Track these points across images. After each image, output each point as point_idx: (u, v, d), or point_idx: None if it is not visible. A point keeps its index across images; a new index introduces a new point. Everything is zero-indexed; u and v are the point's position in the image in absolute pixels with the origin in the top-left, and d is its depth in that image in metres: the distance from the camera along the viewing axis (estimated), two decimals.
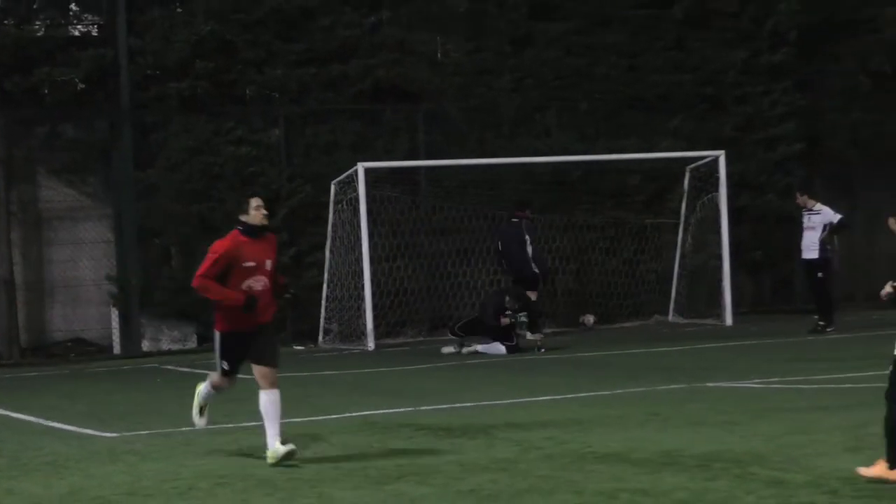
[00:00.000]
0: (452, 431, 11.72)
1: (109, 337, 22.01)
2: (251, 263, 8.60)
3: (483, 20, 23.84)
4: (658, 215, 23.20)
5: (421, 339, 22.20)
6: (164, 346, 21.28)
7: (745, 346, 19.14)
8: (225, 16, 22.09)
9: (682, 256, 23.42)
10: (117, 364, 20.40)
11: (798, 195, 20.23)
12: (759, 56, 24.31)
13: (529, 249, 20.59)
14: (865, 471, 7.82)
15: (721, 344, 19.54)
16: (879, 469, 7.76)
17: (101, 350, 21.80)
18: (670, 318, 22.93)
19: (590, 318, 22.58)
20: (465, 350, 19.62)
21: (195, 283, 8.76)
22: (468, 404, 13.83)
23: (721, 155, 21.87)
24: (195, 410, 9.53)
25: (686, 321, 22.46)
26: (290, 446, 8.50)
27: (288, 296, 9.33)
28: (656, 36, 24.42)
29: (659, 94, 24.14)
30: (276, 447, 8.48)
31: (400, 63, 22.77)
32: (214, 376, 9.20)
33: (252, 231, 8.71)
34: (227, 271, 8.58)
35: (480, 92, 23.42)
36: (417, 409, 13.79)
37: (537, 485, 8.45)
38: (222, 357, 8.98)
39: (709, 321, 22.10)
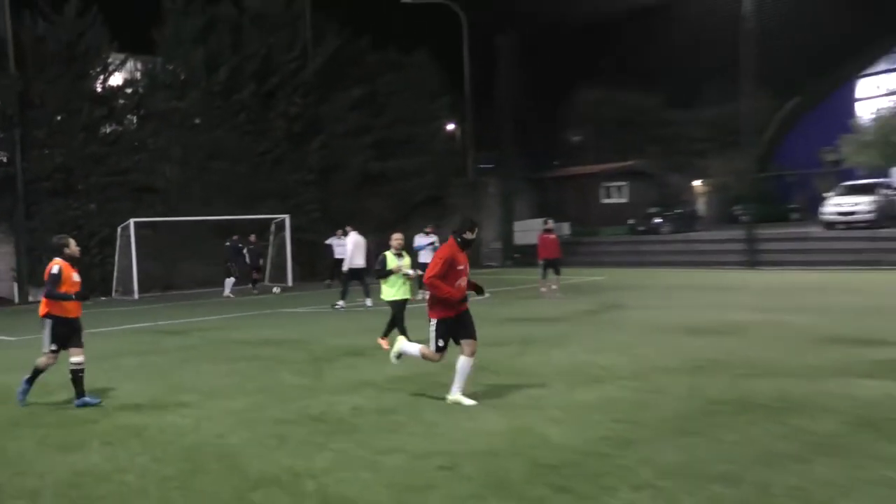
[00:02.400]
0: (175, 333, 15.32)
1: (13, 295, 26.79)
2: (461, 266, 8.10)
3: (185, 154, 29.24)
4: (263, 240, 28.36)
5: (159, 293, 26.31)
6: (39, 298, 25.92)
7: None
8: (73, 152, 26.88)
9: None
10: (17, 308, 24.73)
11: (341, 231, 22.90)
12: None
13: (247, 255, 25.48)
14: (385, 344, 11.57)
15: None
16: (385, 342, 11.60)
17: (9, 301, 26.34)
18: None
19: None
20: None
21: (426, 280, 8.10)
22: (181, 321, 17.53)
23: (287, 217, 29.15)
24: (394, 353, 8.80)
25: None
26: (473, 402, 8.12)
27: (481, 292, 8.58)
28: (257, 165, 30.56)
29: (266, 189, 30.17)
30: (458, 396, 8.22)
31: (152, 179, 28.56)
32: (427, 350, 8.44)
33: (466, 244, 8.17)
34: (447, 272, 7.98)
35: (190, 186, 29.20)
36: (156, 323, 17.36)
37: (206, 356, 12.23)
38: (438, 337, 8.23)
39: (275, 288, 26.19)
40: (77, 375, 8.96)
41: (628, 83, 50.01)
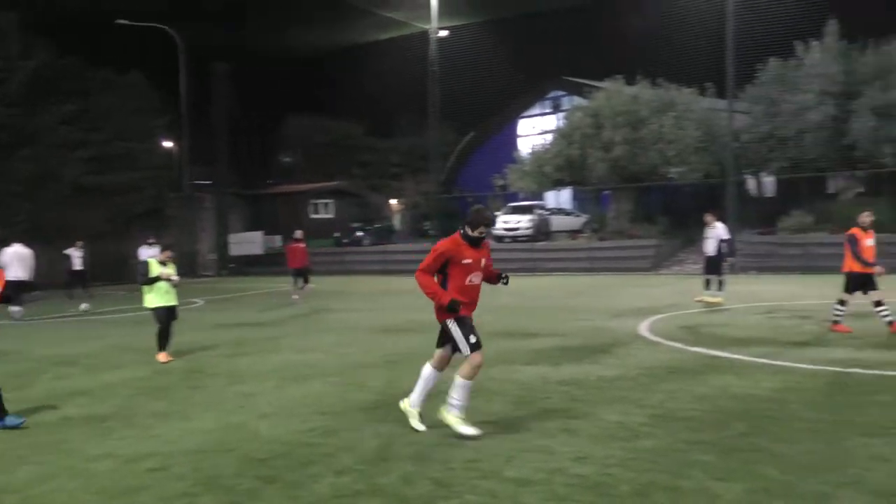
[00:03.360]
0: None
1: None
2: (469, 261, 6.43)
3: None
4: None
5: None
6: None
7: None
8: None
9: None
10: None
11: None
12: None
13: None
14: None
15: None
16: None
17: None
18: None
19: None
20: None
21: (416, 275, 6.55)
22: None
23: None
24: (461, 427, 6.35)
25: None
26: (476, 431, 6.27)
27: (504, 280, 6.91)
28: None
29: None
30: (452, 417, 6.40)
31: None
32: (464, 369, 6.38)
33: (472, 241, 6.44)
34: (447, 266, 6.43)
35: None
36: None
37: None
38: (466, 335, 6.36)
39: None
40: None
41: (335, 112, 51.04)
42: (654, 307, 15.91)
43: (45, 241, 28.89)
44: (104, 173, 31.67)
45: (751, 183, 32.63)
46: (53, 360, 11.35)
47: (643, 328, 12.78)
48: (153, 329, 11.15)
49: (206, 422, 7.24)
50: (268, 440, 6.51)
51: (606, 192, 34.97)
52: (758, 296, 17.74)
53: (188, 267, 36.62)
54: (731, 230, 17.13)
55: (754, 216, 32.16)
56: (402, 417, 7.13)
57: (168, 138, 38.61)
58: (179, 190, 37.88)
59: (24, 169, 28.99)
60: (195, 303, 21.48)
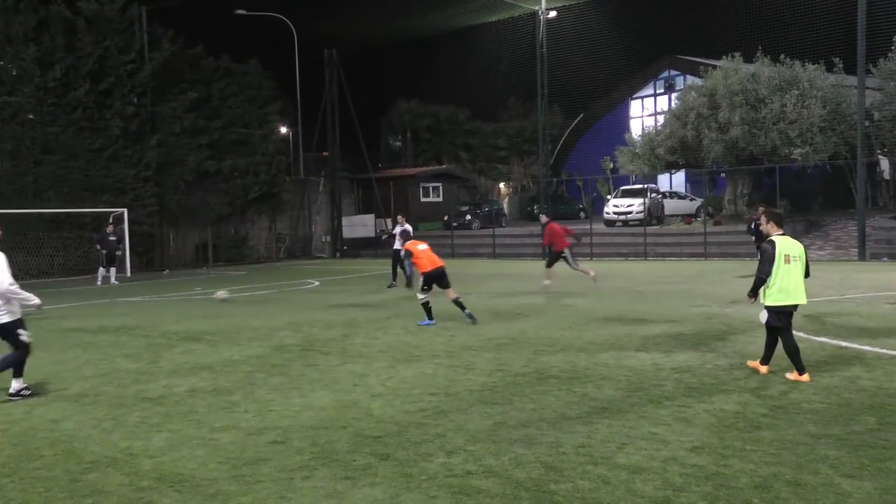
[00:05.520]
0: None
1: None
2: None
3: (17, 148, 26.98)
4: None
5: None
6: None
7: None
8: None
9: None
10: None
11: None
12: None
13: None
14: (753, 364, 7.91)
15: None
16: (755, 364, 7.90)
17: None
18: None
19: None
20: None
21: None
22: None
23: (125, 210, 27.35)
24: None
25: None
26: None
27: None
28: (92, 161, 28.66)
29: (103, 184, 28.76)
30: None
31: None
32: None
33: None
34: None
35: (22, 179, 26.92)
36: None
37: (40, 344, 12.75)
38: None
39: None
40: None
41: (441, 97, 51.38)
42: None
43: (170, 223, 30.70)
44: (223, 158, 32.97)
45: (884, 164, 30.70)
46: (180, 336, 11.97)
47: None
48: (268, 309, 11.55)
49: (322, 399, 7.47)
50: (380, 419, 6.66)
51: (722, 174, 33.78)
52: (890, 284, 16.70)
53: (303, 249, 37.92)
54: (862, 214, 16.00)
55: (888, 200, 30.29)
56: (512, 399, 7.16)
57: (283, 124, 39.78)
58: (294, 174, 39.06)
59: (153, 155, 30.37)
60: (311, 283, 22.08)
